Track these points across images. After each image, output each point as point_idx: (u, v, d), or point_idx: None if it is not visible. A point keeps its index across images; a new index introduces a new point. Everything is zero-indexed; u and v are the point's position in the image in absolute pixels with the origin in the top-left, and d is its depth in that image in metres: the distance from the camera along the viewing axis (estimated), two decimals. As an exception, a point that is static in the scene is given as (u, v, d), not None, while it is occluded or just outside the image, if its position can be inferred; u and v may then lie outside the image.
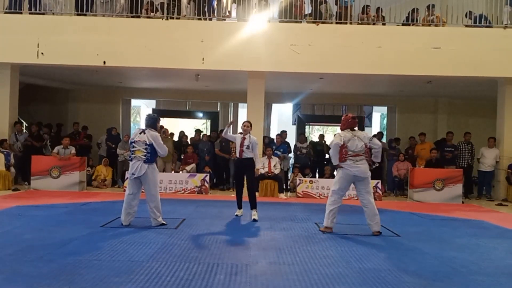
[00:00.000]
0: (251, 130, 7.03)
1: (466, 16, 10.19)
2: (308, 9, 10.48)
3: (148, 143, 5.90)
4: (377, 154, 6.14)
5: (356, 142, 5.91)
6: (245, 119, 7.60)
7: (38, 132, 11.23)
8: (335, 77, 10.85)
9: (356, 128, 6.13)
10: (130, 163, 6.06)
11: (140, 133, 6.02)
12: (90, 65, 9.89)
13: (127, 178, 10.21)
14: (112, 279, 3.74)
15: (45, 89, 13.91)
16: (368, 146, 6.01)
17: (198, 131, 12.81)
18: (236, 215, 7.13)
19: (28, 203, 7.92)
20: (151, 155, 5.94)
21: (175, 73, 11.22)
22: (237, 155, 6.93)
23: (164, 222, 6.14)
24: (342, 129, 6.10)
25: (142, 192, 6.16)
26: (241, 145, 6.81)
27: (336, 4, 10.24)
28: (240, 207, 7.21)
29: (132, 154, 5.98)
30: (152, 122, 6.15)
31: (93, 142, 12.67)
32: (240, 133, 7.17)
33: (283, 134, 11.98)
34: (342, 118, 6.19)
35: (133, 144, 5.99)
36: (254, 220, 6.76)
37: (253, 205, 6.91)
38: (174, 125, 16.64)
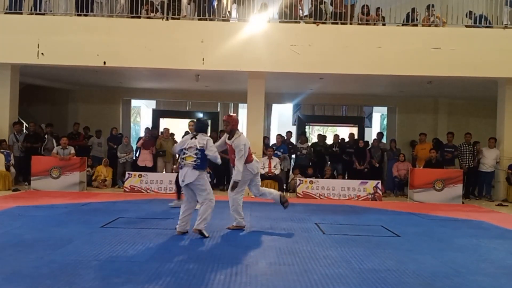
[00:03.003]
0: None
1: (466, 16, 10.19)
2: (306, 10, 10.47)
3: (198, 147, 5.56)
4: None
5: None
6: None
7: (35, 132, 11.18)
8: (335, 78, 10.85)
9: None
10: (180, 170, 5.74)
11: (191, 139, 5.69)
12: (90, 65, 9.88)
13: (127, 178, 10.32)
14: (112, 280, 3.74)
15: (45, 89, 13.92)
16: None
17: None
18: (170, 205, 7.59)
19: (28, 203, 7.92)
20: (202, 161, 5.56)
21: (175, 74, 11.22)
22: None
23: (206, 235, 5.55)
24: (235, 129, 6.06)
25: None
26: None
27: (331, 4, 10.23)
28: (179, 198, 7.60)
29: (183, 161, 5.63)
30: (202, 126, 5.87)
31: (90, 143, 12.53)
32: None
33: (287, 134, 11.95)
34: (233, 118, 6.13)
35: (184, 151, 5.64)
36: None
37: None
38: (174, 126, 16.61)
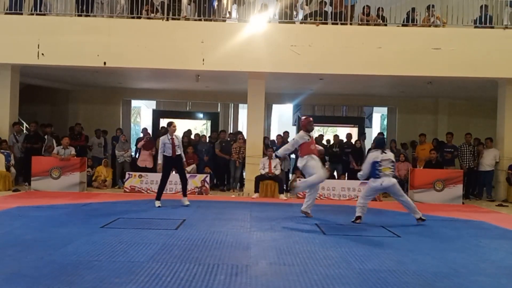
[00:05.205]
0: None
1: (480, 9, 10.16)
2: (301, 14, 10.50)
3: (393, 160, 6.77)
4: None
5: None
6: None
7: (36, 132, 11.17)
8: (335, 78, 10.85)
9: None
10: (379, 179, 6.67)
11: (381, 154, 6.72)
12: (90, 65, 9.90)
13: (127, 178, 10.31)
14: (112, 280, 3.74)
15: (45, 90, 13.93)
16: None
17: (196, 133, 12.84)
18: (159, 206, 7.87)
19: (29, 203, 7.92)
20: (393, 171, 6.78)
21: (176, 74, 11.23)
22: (171, 154, 7.97)
23: (424, 218, 6.82)
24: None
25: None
26: (173, 145, 8.00)
27: (331, 5, 10.23)
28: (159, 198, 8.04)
29: (380, 172, 6.65)
30: (383, 142, 7.28)
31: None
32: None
33: (284, 134, 11.96)
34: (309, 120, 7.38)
35: (379, 163, 6.66)
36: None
37: (185, 193, 8.27)
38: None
